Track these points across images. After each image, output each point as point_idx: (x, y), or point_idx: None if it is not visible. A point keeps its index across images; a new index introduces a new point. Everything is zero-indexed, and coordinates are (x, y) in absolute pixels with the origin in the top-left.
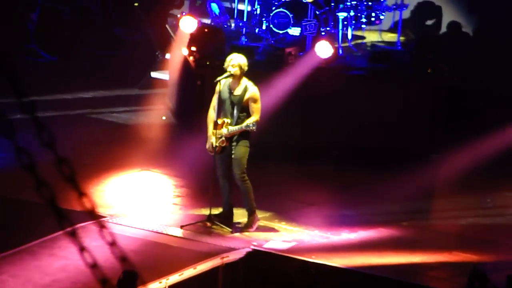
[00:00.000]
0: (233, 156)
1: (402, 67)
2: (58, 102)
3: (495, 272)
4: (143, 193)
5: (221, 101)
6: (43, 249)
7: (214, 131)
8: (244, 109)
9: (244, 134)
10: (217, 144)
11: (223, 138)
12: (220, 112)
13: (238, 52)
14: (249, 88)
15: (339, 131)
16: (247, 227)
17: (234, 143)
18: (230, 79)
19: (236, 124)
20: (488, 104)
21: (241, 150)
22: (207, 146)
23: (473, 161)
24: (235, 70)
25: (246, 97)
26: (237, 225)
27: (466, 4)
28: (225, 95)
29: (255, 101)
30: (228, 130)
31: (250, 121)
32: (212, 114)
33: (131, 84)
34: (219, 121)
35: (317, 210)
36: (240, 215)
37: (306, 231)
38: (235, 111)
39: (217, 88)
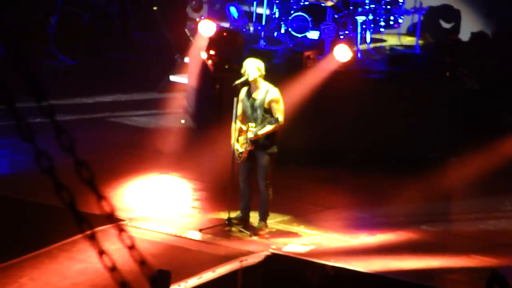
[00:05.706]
0: (261, 163)
1: (421, 71)
2: (77, 106)
3: None
4: (162, 197)
5: (243, 109)
6: (63, 252)
7: (240, 138)
8: (267, 112)
9: (270, 142)
10: (243, 150)
11: (249, 142)
12: (244, 120)
13: (257, 56)
14: (270, 90)
15: (357, 135)
16: (257, 230)
17: (260, 151)
18: (248, 86)
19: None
20: (506, 107)
21: (266, 158)
22: (235, 155)
23: (491, 164)
24: (253, 74)
25: (267, 99)
26: (250, 228)
27: (485, 8)
28: (246, 102)
29: (277, 102)
30: (252, 132)
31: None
32: (237, 125)
33: (150, 88)
34: (244, 127)
35: (336, 214)
36: (254, 218)
37: (325, 235)
38: (257, 114)
39: (239, 97)
